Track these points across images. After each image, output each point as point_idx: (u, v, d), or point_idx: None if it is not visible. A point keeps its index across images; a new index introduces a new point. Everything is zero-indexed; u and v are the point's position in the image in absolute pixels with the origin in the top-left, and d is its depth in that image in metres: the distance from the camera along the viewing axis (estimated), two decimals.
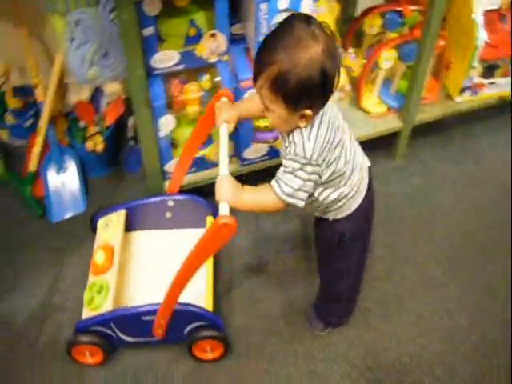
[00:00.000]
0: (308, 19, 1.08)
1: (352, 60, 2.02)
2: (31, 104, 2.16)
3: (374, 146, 1.93)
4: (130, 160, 2.17)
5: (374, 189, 1.43)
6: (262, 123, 1.77)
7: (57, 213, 2.00)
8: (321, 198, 1.30)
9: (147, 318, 1.51)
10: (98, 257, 1.62)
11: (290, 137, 1.20)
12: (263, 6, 1.54)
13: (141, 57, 1.52)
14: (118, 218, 1.75)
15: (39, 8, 1.82)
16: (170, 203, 1.78)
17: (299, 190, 1.20)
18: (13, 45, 2.04)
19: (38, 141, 2.01)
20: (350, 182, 1.31)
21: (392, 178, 2.15)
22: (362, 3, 2.21)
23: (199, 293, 1.60)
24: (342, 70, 1.87)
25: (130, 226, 1.81)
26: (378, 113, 2.04)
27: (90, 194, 2.08)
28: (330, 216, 1.37)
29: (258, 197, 1.24)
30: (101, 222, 1.76)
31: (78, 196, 2.04)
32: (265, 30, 1.58)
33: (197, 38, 1.65)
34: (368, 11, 2.05)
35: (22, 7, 1.97)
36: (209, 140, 1.81)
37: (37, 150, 2.01)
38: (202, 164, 1.86)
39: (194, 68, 1.71)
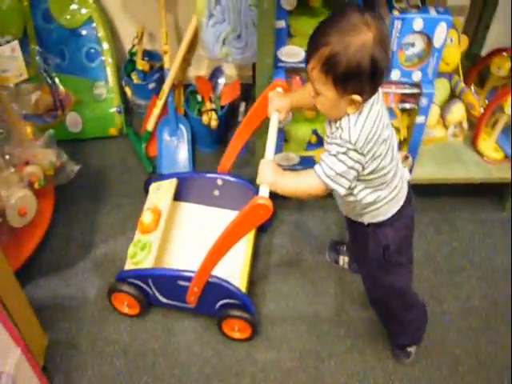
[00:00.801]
0: (363, 9, 1.11)
1: (474, 98, 1.94)
2: (157, 69, 2.25)
3: (482, 191, 1.87)
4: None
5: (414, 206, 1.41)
6: None
7: (165, 173, 2.06)
8: (359, 196, 1.30)
9: (182, 283, 1.59)
10: (146, 217, 1.73)
11: (338, 123, 1.21)
12: (398, 24, 1.53)
13: (272, 46, 1.56)
14: (169, 184, 1.85)
15: None
16: (219, 182, 1.84)
17: (341, 175, 1.20)
18: (149, 11, 2.18)
19: (159, 104, 2.12)
20: (390, 187, 1.30)
21: (496, 229, 2.01)
22: (489, 42, 2.14)
23: (236, 273, 1.68)
24: (462, 107, 1.81)
25: (178, 196, 1.90)
26: (493, 158, 1.94)
27: (195, 165, 2.16)
28: (366, 219, 1.36)
29: (300, 180, 1.26)
30: (153, 186, 1.86)
31: (186, 162, 2.13)
32: (395, 48, 1.57)
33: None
34: (496, 52, 1.96)
35: None
36: (319, 142, 1.83)
37: (156, 111, 2.12)
38: (309, 164, 1.83)
39: None
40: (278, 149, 1.68)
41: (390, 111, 1.72)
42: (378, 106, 1.21)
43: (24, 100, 1.88)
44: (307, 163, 1.82)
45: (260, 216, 1.26)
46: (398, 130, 1.76)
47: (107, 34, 2.19)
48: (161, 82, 2.22)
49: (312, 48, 1.13)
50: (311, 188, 1.25)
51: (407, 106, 1.73)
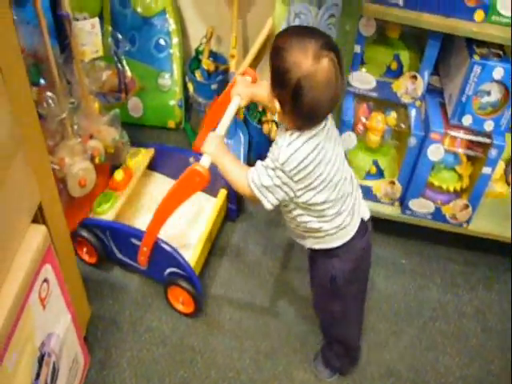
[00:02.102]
0: (331, 45, 1.10)
1: None
2: (221, 71, 2.25)
3: None
4: None
5: (372, 242, 1.39)
6: (435, 181, 1.74)
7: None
8: (298, 219, 1.28)
9: (135, 241, 1.65)
10: (118, 175, 1.83)
11: (277, 137, 1.21)
12: (477, 69, 1.50)
13: (348, 67, 1.55)
14: (146, 152, 1.95)
15: None
16: (191, 160, 1.85)
17: (267, 189, 1.20)
18: (220, 14, 2.21)
19: None
20: (333, 222, 1.27)
21: None
22: None
23: (189, 246, 1.73)
24: None
25: (153, 165, 1.99)
26: None
27: None
28: (308, 243, 1.34)
29: (235, 170, 1.27)
30: (131, 151, 1.92)
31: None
32: (470, 93, 1.54)
33: (396, 73, 1.66)
34: None
35: None
36: (378, 173, 1.82)
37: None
38: (365, 194, 1.78)
39: (384, 100, 1.70)
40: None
41: (456, 156, 1.71)
42: (323, 142, 1.18)
43: (95, 76, 1.87)
44: (363, 193, 1.77)
45: (196, 183, 1.31)
46: (460, 176, 1.75)
47: (178, 28, 2.20)
48: (223, 83, 2.22)
49: (275, 38, 1.17)
50: (239, 184, 1.26)
51: (474, 153, 1.69)
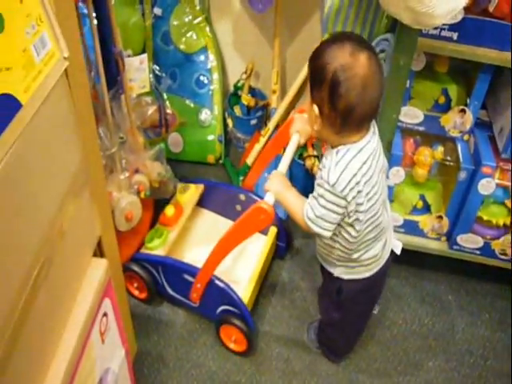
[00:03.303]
0: (368, 46, 1.13)
1: None
2: (260, 107, 2.27)
3: None
4: None
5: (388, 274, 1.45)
6: (485, 216, 1.72)
7: None
8: (335, 245, 1.30)
9: (188, 277, 1.63)
10: (169, 210, 1.81)
11: (324, 159, 1.22)
12: None
13: (400, 103, 1.54)
14: (195, 188, 1.93)
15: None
16: (242, 197, 1.86)
17: (321, 218, 1.20)
18: (259, 50, 2.27)
19: (262, 140, 2.11)
20: (367, 253, 1.30)
21: None
22: None
23: (243, 283, 1.69)
24: None
25: (202, 202, 1.95)
26: None
27: None
28: (336, 272, 1.37)
29: (297, 205, 1.27)
30: (180, 186, 1.92)
31: None
32: None
33: (444, 108, 1.66)
34: None
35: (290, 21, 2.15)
36: (425, 208, 1.81)
37: (258, 147, 2.11)
38: (412, 229, 1.80)
39: (432, 134, 1.70)
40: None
41: (505, 190, 1.68)
42: (371, 160, 1.19)
43: (141, 111, 1.90)
44: (410, 227, 1.80)
45: (261, 220, 1.30)
46: (510, 211, 1.71)
47: (219, 64, 2.23)
48: (263, 119, 2.25)
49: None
50: (299, 220, 1.27)
51: None
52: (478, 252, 1.77)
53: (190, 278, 1.62)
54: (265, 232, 1.84)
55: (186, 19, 2.15)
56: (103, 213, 1.22)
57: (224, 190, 1.95)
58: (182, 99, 2.22)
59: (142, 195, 1.76)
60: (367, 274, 1.35)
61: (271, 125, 2.13)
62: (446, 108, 1.65)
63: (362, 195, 1.18)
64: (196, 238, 1.89)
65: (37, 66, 0.78)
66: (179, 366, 1.63)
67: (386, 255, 1.37)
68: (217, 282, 1.58)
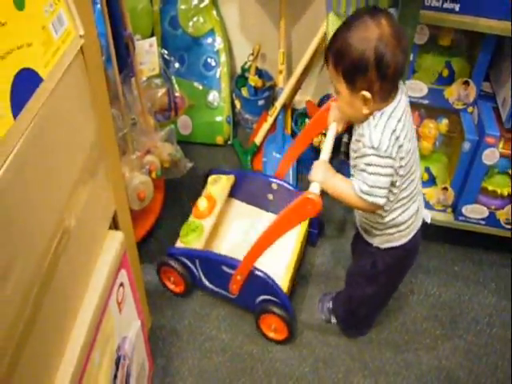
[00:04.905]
0: (379, 10, 1.15)
1: None
2: (267, 87, 2.31)
3: None
4: (340, 172, 2.22)
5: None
6: (489, 186, 1.75)
7: None
8: (386, 217, 1.32)
9: (227, 269, 1.63)
10: (201, 203, 1.81)
11: (358, 131, 1.22)
12: None
13: (405, 76, 1.55)
14: (227, 179, 1.92)
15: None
16: (274, 186, 1.87)
17: (376, 186, 1.20)
18: (265, 31, 2.30)
19: (270, 120, 2.18)
20: (404, 215, 1.32)
21: None
22: None
23: (279, 273, 1.68)
24: None
25: (233, 192, 1.94)
26: None
27: (297, 184, 2.15)
28: (375, 241, 1.39)
29: (347, 189, 1.26)
30: (211, 178, 1.93)
31: (290, 180, 2.11)
32: None
33: (448, 80, 1.69)
34: None
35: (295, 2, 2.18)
36: (430, 180, 1.84)
37: (266, 126, 2.18)
38: None
39: (436, 107, 1.73)
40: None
41: (509, 160, 1.70)
42: (404, 119, 1.21)
43: (151, 94, 1.95)
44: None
45: (308, 210, 1.29)
46: None
47: (226, 46, 2.27)
48: (270, 100, 2.29)
49: (329, 44, 1.19)
50: (352, 201, 1.26)
51: None
52: (483, 222, 1.80)
53: (228, 270, 1.62)
54: None
55: (193, 3, 2.19)
56: (118, 188, 1.27)
57: (255, 179, 1.94)
58: (190, 82, 2.26)
59: (154, 175, 1.81)
60: (403, 240, 1.37)
61: (278, 104, 2.18)
62: (450, 81, 1.68)
63: (403, 150, 1.20)
64: (230, 229, 1.89)
65: (55, 42, 0.83)
66: (193, 338, 1.69)
67: (419, 222, 1.39)
68: (257, 272, 1.58)
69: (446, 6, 1.47)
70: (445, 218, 1.83)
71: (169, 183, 2.00)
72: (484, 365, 1.66)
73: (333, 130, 1.43)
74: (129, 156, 1.73)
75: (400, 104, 1.21)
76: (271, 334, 1.68)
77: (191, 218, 1.80)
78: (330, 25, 1.88)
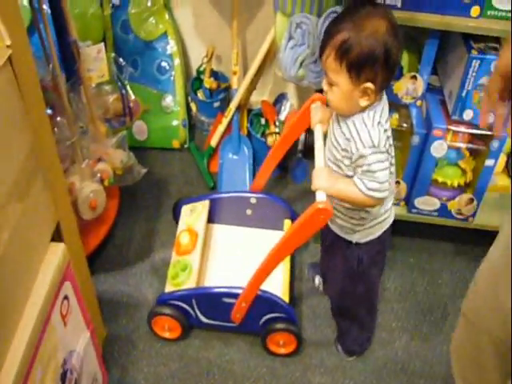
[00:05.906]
0: (374, 2, 1.18)
1: None
2: (222, 89, 2.31)
3: None
4: (297, 171, 2.24)
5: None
6: (440, 178, 1.77)
7: (225, 190, 2.12)
8: (373, 210, 1.33)
9: (228, 300, 1.57)
10: (183, 239, 1.73)
11: (350, 127, 1.22)
12: (475, 64, 1.54)
13: None
14: (202, 206, 1.85)
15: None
16: (253, 200, 1.84)
17: (384, 182, 1.21)
18: (219, 33, 2.30)
19: (225, 121, 2.18)
20: (385, 206, 1.35)
21: None
22: None
23: (277, 283, 1.65)
24: None
25: (211, 218, 1.88)
26: None
27: None
28: (355, 238, 1.39)
29: (352, 191, 1.25)
30: (185, 208, 1.86)
31: (247, 181, 2.15)
32: (470, 88, 1.58)
33: (396, 76, 1.68)
34: None
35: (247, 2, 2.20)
36: None
37: (221, 128, 2.17)
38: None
39: None
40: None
41: (459, 151, 1.74)
42: (386, 109, 1.24)
43: (102, 100, 1.93)
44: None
45: (321, 220, 1.25)
46: (464, 171, 1.77)
47: (179, 49, 2.26)
48: (225, 101, 2.29)
49: (327, 36, 1.17)
50: (359, 200, 1.26)
51: (476, 147, 1.71)
52: (435, 214, 1.83)
53: (230, 301, 1.56)
54: (280, 227, 1.86)
55: (145, 6, 2.17)
56: (61, 199, 1.26)
57: (231, 198, 1.88)
58: (144, 87, 2.25)
59: (106, 183, 1.80)
60: (380, 231, 1.39)
61: (233, 105, 2.18)
62: (398, 76, 1.68)
63: (390, 140, 1.24)
64: (217, 256, 1.82)
65: None
66: (149, 346, 1.67)
67: (393, 212, 1.42)
68: (262, 294, 1.53)
69: (388, 2, 1.49)
70: (399, 211, 1.85)
71: (124, 190, 1.98)
72: (439, 354, 1.69)
73: (319, 132, 1.41)
74: (79, 165, 1.71)
75: (384, 96, 1.25)
76: (282, 350, 1.65)
77: (175, 257, 1.72)
78: (278, 24, 1.89)
